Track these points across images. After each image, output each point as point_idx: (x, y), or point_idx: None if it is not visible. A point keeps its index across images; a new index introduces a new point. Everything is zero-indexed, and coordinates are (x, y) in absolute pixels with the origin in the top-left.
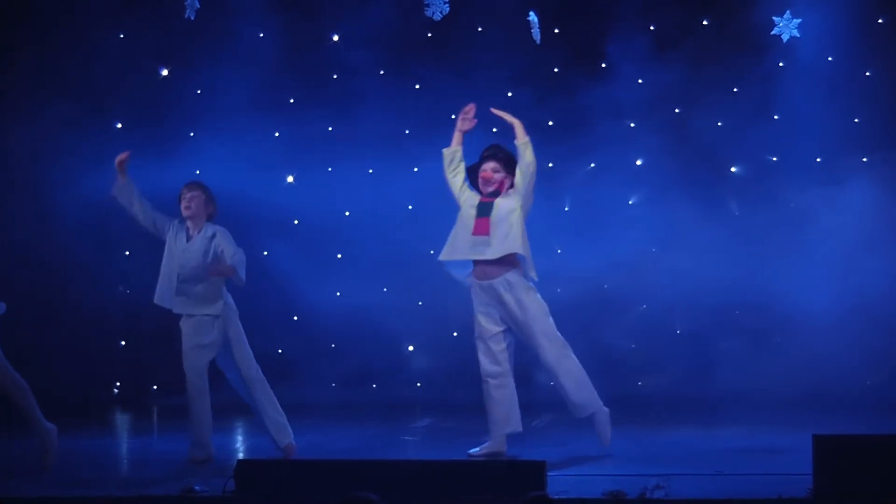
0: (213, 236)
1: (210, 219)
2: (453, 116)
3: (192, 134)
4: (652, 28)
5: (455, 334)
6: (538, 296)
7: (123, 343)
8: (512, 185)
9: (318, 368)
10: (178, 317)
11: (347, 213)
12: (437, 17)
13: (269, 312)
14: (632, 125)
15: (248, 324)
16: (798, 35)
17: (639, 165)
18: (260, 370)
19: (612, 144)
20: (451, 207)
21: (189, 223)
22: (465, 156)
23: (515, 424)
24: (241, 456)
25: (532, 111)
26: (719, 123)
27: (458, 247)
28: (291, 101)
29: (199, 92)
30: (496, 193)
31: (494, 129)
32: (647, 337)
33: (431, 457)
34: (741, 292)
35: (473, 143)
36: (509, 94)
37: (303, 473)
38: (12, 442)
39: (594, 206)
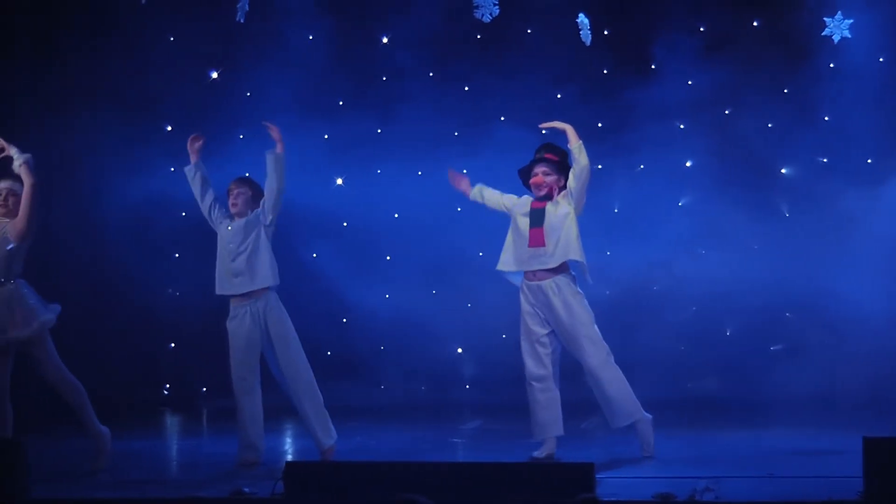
0: (252, 214)
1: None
2: (503, 118)
3: (241, 136)
4: (701, 29)
5: (504, 336)
6: (585, 301)
7: (173, 345)
8: (565, 186)
9: (366, 370)
10: (226, 317)
11: (396, 216)
12: (487, 18)
13: (317, 314)
14: (681, 126)
15: (296, 325)
16: (849, 36)
17: (688, 167)
18: (310, 371)
19: (661, 146)
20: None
21: (236, 217)
22: (518, 150)
23: (559, 428)
24: (289, 458)
25: (580, 112)
26: (769, 125)
27: (518, 258)
28: (340, 103)
29: (248, 94)
30: (548, 196)
31: (543, 131)
32: (696, 339)
33: (480, 459)
34: (791, 294)
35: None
36: (558, 95)
37: (351, 475)
38: (65, 444)
39: (643, 207)
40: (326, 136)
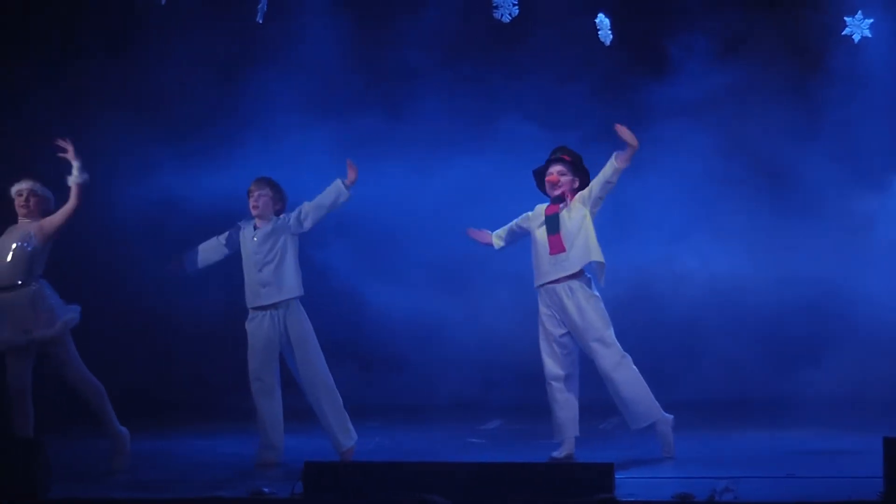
0: (277, 220)
1: (278, 215)
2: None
3: (250, 135)
4: (718, 27)
5: (524, 336)
6: (601, 304)
7: (192, 345)
8: (579, 188)
9: (386, 371)
10: (243, 318)
11: (418, 215)
12: (507, 19)
13: (335, 315)
14: (696, 125)
15: (313, 325)
16: (870, 35)
17: (704, 166)
18: (328, 373)
19: (677, 144)
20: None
21: (257, 221)
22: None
23: (576, 429)
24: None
25: (595, 110)
26: (787, 124)
27: (544, 269)
28: (351, 101)
29: (263, 92)
30: (560, 199)
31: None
32: (715, 338)
33: (499, 459)
34: (812, 295)
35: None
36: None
37: (371, 476)
38: (83, 444)
39: (658, 206)
40: (337, 135)
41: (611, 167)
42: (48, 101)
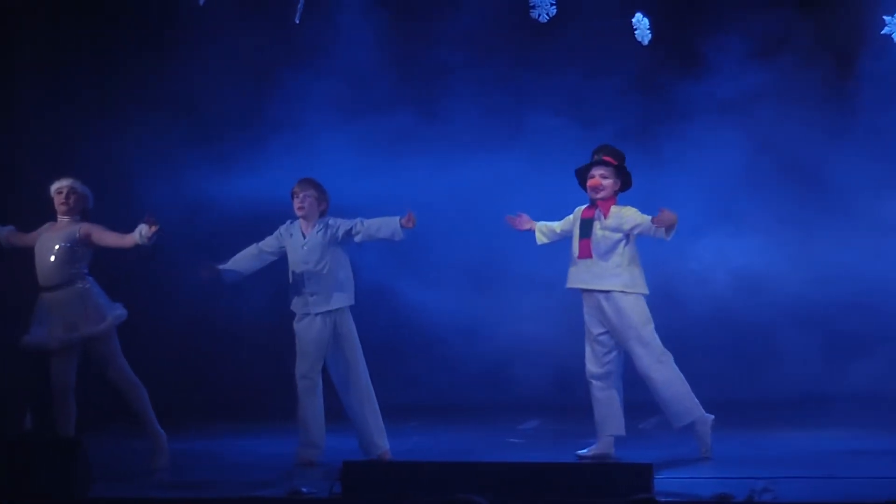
0: (326, 226)
1: (322, 215)
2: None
3: (282, 136)
4: (755, 26)
5: (561, 336)
6: (640, 302)
7: (233, 345)
8: (621, 189)
9: (424, 370)
10: (290, 317)
11: (457, 214)
12: (544, 18)
13: (375, 314)
14: (734, 123)
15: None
16: None
17: (741, 164)
18: (368, 375)
19: (708, 141)
20: (556, 210)
21: (302, 222)
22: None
23: (618, 428)
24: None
25: (626, 106)
26: (824, 124)
27: (575, 273)
28: (382, 99)
29: (295, 92)
30: (602, 200)
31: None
32: (755, 337)
33: (537, 459)
34: (854, 292)
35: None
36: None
37: (409, 475)
38: (122, 443)
39: (694, 205)
40: (369, 134)
41: (650, 226)
42: (86, 100)
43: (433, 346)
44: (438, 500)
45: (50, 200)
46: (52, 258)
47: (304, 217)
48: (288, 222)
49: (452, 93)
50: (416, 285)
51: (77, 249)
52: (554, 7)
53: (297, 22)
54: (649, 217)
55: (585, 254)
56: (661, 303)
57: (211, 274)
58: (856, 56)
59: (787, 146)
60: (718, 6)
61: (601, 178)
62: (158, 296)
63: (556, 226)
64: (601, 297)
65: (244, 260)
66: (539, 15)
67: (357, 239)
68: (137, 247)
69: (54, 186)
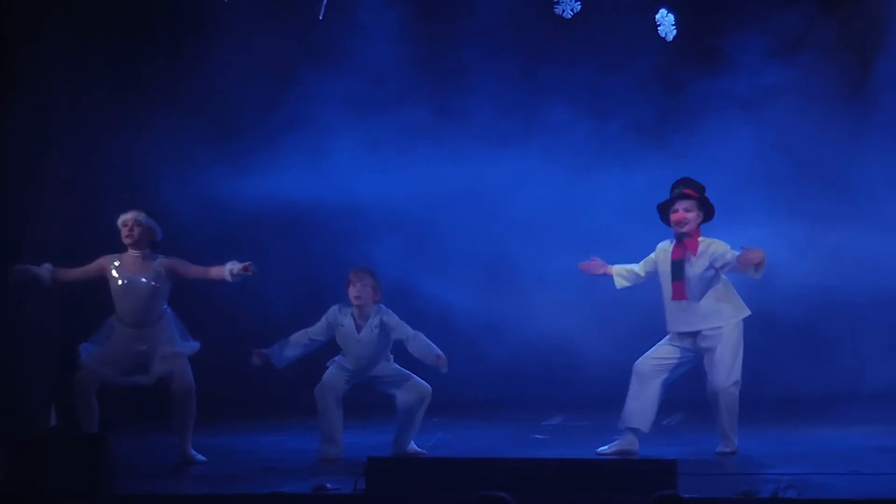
0: (381, 324)
1: (376, 303)
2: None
3: (299, 135)
4: (778, 23)
5: (592, 334)
6: (739, 328)
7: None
8: (704, 220)
9: (451, 367)
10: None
11: (489, 212)
12: (568, 14)
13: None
14: (753, 120)
15: None
16: None
17: (764, 163)
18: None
19: (734, 139)
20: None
21: (355, 310)
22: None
23: (644, 423)
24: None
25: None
26: (844, 122)
27: (671, 315)
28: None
29: (313, 91)
30: (684, 237)
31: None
32: (781, 334)
33: (562, 455)
34: (878, 289)
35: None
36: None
37: (434, 471)
38: (146, 440)
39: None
40: (386, 130)
41: (735, 262)
42: (104, 98)
43: (456, 342)
44: (462, 496)
45: (66, 198)
46: (139, 298)
47: (359, 306)
48: (336, 307)
49: (468, 89)
50: (435, 281)
51: (161, 286)
52: (578, 3)
53: (321, 18)
54: (737, 253)
55: (681, 296)
56: None
57: (261, 360)
58: (876, 54)
59: (806, 144)
60: (739, 2)
61: (685, 212)
62: (181, 290)
63: (638, 268)
64: (698, 339)
65: (293, 347)
66: (563, 10)
67: (397, 335)
68: (218, 281)
69: (120, 220)
